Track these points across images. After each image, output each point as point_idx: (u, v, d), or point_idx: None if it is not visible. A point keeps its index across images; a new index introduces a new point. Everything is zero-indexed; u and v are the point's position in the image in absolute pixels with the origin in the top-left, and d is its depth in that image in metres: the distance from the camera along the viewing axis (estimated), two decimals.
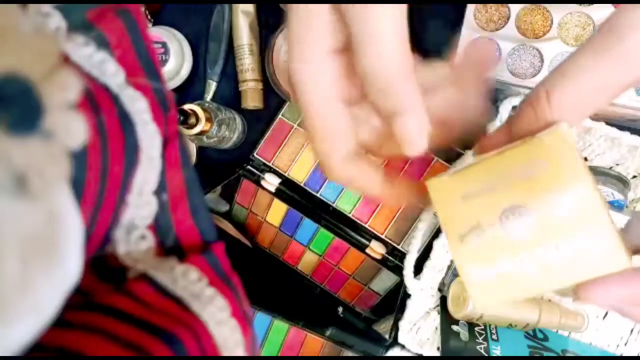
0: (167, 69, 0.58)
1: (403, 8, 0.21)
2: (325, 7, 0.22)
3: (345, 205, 0.59)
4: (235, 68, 0.60)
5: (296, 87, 0.24)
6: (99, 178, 0.18)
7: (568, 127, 0.19)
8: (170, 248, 0.22)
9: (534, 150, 0.19)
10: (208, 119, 0.52)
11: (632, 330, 0.51)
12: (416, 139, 0.21)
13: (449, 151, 0.55)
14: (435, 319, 0.53)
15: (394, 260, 0.57)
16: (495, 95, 0.53)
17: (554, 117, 0.19)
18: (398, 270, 0.55)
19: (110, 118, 0.18)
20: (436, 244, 0.51)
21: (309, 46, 0.23)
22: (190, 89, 0.61)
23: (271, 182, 0.59)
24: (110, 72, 0.19)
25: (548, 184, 0.19)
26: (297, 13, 0.23)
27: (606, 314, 0.52)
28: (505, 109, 0.46)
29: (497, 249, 0.19)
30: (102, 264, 0.19)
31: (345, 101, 0.25)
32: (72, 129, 0.14)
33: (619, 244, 0.18)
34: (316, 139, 0.25)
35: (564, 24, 0.53)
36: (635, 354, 0.51)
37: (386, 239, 0.58)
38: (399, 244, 0.58)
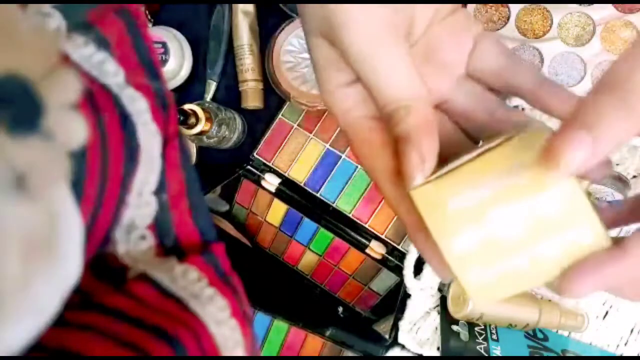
0: (167, 69, 0.58)
1: (400, 35, 0.22)
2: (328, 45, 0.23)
3: (345, 205, 0.59)
4: (235, 68, 0.60)
5: (329, 109, 0.25)
6: (98, 178, 0.18)
7: (543, 124, 0.19)
8: (170, 248, 0.22)
9: (515, 151, 0.19)
10: (208, 119, 0.52)
11: (632, 330, 0.51)
12: (413, 173, 0.21)
13: None
14: (435, 319, 0.53)
15: (394, 260, 0.57)
16: None
17: None
18: (398, 270, 0.55)
19: (110, 118, 0.18)
20: None
21: (328, 78, 0.24)
22: (190, 89, 0.61)
23: (271, 182, 0.59)
24: (110, 72, 0.19)
25: (533, 185, 0.19)
26: (310, 46, 0.24)
27: (606, 314, 0.52)
28: None
29: (489, 250, 0.20)
30: (102, 264, 0.20)
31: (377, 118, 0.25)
32: (72, 129, 0.14)
33: (604, 233, 0.19)
34: (359, 156, 0.25)
35: (564, 24, 0.53)
36: (635, 354, 0.51)
37: (386, 239, 0.58)
38: (399, 244, 0.58)
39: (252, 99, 0.60)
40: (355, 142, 0.24)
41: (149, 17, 0.61)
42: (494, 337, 0.49)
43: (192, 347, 0.18)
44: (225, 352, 0.20)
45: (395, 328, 0.51)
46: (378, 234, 0.58)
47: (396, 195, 0.23)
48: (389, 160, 0.23)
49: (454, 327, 0.50)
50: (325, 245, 0.60)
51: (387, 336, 0.52)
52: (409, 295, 0.50)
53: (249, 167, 0.60)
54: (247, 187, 0.61)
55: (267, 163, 0.60)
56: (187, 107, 0.51)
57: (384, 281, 0.59)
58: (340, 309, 0.61)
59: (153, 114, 0.21)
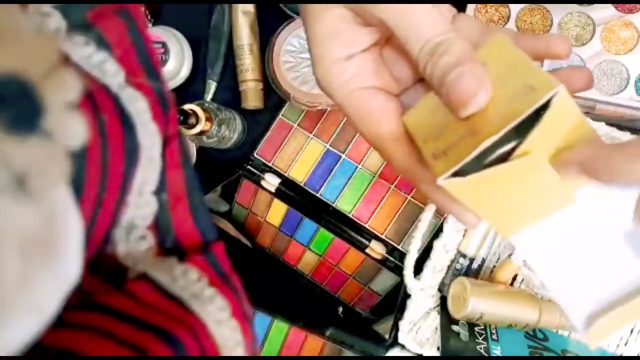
0: (167, 69, 0.58)
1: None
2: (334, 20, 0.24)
3: (345, 205, 0.59)
4: (235, 68, 0.60)
5: (326, 87, 0.25)
6: (99, 178, 0.18)
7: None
8: (170, 248, 0.22)
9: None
10: (208, 119, 0.52)
11: (632, 331, 0.51)
12: (477, 89, 0.20)
13: None
14: (435, 319, 0.53)
15: (394, 260, 0.57)
16: None
17: None
18: (398, 270, 0.55)
19: (110, 118, 0.18)
20: (436, 244, 0.51)
21: (329, 51, 0.24)
22: (190, 89, 0.61)
23: (271, 182, 0.59)
24: (110, 72, 0.19)
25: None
26: (318, 19, 0.24)
27: None
28: None
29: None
30: (102, 264, 0.19)
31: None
32: (72, 129, 0.14)
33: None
34: (360, 128, 0.25)
35: (564, 24, 0.53)
36: (635, 354, 0.51)
37: (386, 239, 0.58)
38: (399, 244, 0.58)
39: (252, 99, 0.60)
40: (355, 114, 0.25)
41: (149, 17, 0.61)
42: (494, 337, 0.49)
43: (192, 347, 0.18)
44: (225, 352, 0.20)
45: (395, 328, 0.51)
46: (378, 234, 0.58)
47: (410, 150, 0.24)
48: (396, 122, 0.24)
49: (454, 327, 0.50)
50: (325, 245, 0.60)
51: (387, 336, 0.52)
52: (409, 295, 0.50)
53: (249, 167, 0.60)
54: (247, 187, 0.61)
55: (267, 163, 0.60)
56: (187, 107, 0.51)
57: (384, 281, 0.59)
58: (340, 309, 0.61)
59: (153, 114, 0.21)
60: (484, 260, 0.54)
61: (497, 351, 0.47)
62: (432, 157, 0.21)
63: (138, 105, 0.20)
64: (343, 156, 0.59)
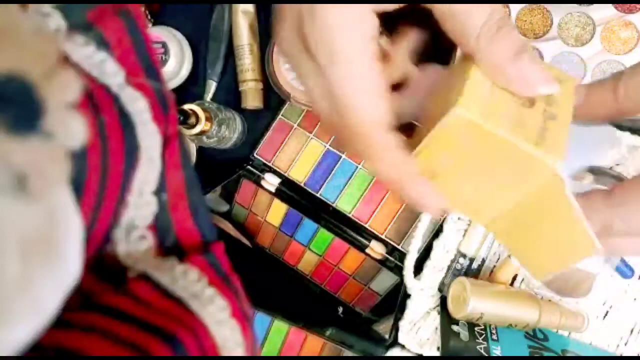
0: (167, 69, 0.57)
1: None
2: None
3: (345, 205, 0.59)
4: (235, 68, 0.60)
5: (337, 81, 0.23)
6: (99, 178, 0.18)
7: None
8: (170, 248, 0.22)
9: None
10: (208, 119, 0.52)
11: (632, 330, 0.51)
12: (542, 73, 0.21)
13: None
14: (435, 319, 0.53)
15: (394, 260, 0.57)
16: None
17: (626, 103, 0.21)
18: (398, 270, 0.55)
19: (110, 118, 0.18)
20: (436, 244, 0.51)
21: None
22: (190, 89, 0.61)
23: (271, 182, 0.59)
24: (110, 72, 0.19)
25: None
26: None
27: (606, 314, 0.52)
28: None
29: None
30: (102, 264, 0.20)
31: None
32: (72, 129, 0.14)
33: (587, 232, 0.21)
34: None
35: (564, 24, 0.53)
36: (635, 354, 0.51)
37: (386, 239, 0.58)
38: (399, 244, 0.58)
39: (252, 99, 0.60)
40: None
41: (149, 17, 0.61)
42: (494, 337, 0.49)
43: (192, 347, 0.18)
44: (226, 353, 0.20)
45: (395, 328, 0.51)
46: (378, 234, 0.58)
47: (391, 138, 0.23)
48: (387, 108, 0.23)
49: (454, 327, 0.50)
50: (325, 245, 0.60)
51: (387, 336, 0.52)
52: (409, 295, 0.50)
53: (249, 167, 0.60)
54: (247, 187, 0.61)
55: (267, 163, 0.60)
56: (187, 107, 0.51)
57: (384, 281, 0.59)
58: (340, 309, 0.61)
59: (153, 114, 0.21)
60: (484, 260, 0.54)
61: (497, 351, 0.47)
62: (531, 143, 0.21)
63: (138, 105, 0.20)
64: (343, 156, 0.59)
